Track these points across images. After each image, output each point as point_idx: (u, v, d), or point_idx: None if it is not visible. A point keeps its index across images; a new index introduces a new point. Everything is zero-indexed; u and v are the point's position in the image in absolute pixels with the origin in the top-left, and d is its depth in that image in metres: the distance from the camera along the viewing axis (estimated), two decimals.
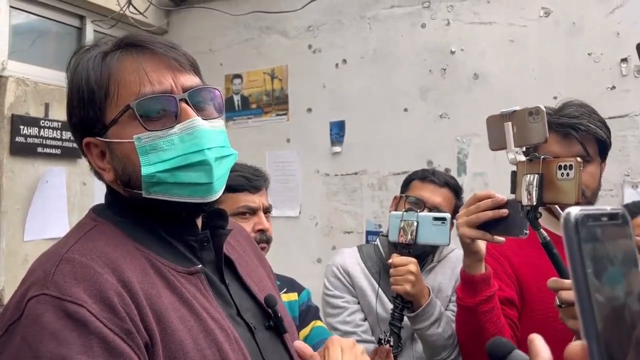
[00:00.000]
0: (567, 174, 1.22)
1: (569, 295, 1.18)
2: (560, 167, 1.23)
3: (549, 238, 1.27)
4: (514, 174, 1.31)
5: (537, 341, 0.53)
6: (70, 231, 0.92)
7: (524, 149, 1.30)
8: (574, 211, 0.46)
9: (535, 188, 1.24)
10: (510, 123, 1.30)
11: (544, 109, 1.26)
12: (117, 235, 0.87)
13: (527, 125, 1.27)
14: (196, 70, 0.94)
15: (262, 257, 1.18)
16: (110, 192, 0.95)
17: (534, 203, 1.25)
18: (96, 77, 0.88)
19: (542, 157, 1.26)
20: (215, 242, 0.96)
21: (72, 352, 0.70)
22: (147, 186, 0.87)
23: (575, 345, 0.46)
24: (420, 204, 1.77)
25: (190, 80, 0.91)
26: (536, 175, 1.25)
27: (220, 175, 0.90)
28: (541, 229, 1.27)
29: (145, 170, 0.85)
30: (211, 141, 0.88)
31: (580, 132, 1.49)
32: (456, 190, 1.87)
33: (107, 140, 0.89)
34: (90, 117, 0.89)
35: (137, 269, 0.83)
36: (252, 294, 0.99)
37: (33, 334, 0.72)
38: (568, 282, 1.20)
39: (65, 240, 0.87)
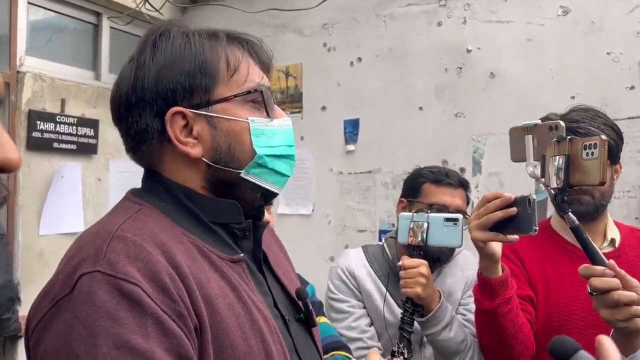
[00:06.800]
0: (592, 153, 1.18)
1: (601, 282, 1.18)
2: (585, 147, 1.20)
3: (577, 222, 1.24)
4: (544, 158, 1.28)
5: (607, 343, 0.51)
6: (113, 212, 0.89)
7: None
8: None
9: (562, 170, 1.21)
10: (531, 136, 1.29)
11: (564, 125, 1.25)
12: (163, 220, 0.86)
13: (546, 140, 1.25)
14: None
15: (285, 251, 1.19)
16: (150, 177, 0.94)
17: (562, 185, 1.22)
18: (227, 55, 0.91)
19: (569, 137, 1.23)
20: (254, 233, 0.97)
21: (127, 332, 0.69)
22: (251, 166, 0.91)
23: None
24: (445, 211, 1.68)
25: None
26: (563, 157, 1.22)
27: None
28: (569, 213, 1.24)
29: (259, 151, 0.90)
30: (294, 140, 0.98)
31: (580, 135, 1.45)
32: (467, 186, 1.81)
33: (213, 114, 0.89)
34: (201, 87, 0.88)
35: (185, 253, 0.82)
36: (284, 285, 1.00)
37: (86, 311, 0.70)
38: (599, 268, 1.19)
39: (111, 219, 0.84)
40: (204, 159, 0.89)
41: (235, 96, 0.90)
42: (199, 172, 0.90)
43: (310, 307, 1.01)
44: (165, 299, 0.74)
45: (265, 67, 0.96)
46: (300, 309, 0.99)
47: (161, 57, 0.88)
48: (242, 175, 0.90)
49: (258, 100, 0.92)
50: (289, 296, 0.99)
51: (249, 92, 0.91)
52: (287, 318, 0.94)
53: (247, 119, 0.90)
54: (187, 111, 0.88)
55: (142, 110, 0.88)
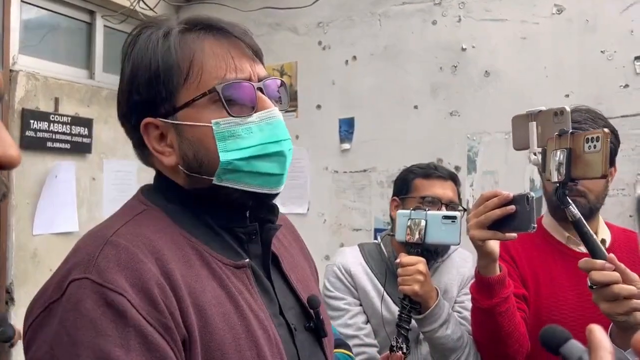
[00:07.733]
0: (594, 146, 1.18)
1: (601, 275, 1.18)
2: (587, 140, 1.19)
3: (579, 215, 1.24)
4: (544, 152, 1.28)
5: (598, 332, 0.50)
6: (118, 212, 0.88)
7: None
8: None
9: (564, 163, 1.21)
10: (535, 123, 1.29)
11: (569, 110, 1.24)
12: (166, 223, 0.84)
13: (551, 126, 1.25)
14: (262, 61, 0.93)
15: (307, 252, 1.15)
16: (160, 177, 0.92)
17: (563, 179, 1.22)
18: (177, 56, 0.84)
19: (571, 131, 1.23)
20: (262, 236, 0.93)
21: (108, 343, 0.69)
22: (221, 173, 0.84)
23: None
24: (438, 202, 1.71)
25: (263, 70, 0.90)
26: (565, 150, 1.22)
27: (288, 168, 0.90)
28: (571, 206, 1.24)
29: (223, 157, 0.83)
30: (285, 133, 0.88)
31: None
32: (457, 180, 1.83)
33: (176, 122, 0.85)
34: (161, 96, 0.85)
35: (182, 260, 0.80)
36: (295, 292, 0.95)
37: (72, 319, 0.70)
38: (600, 262, 1.20)
39: (112, 222, 0.83)
40: (181, 167, 0.87)
41: (193, 100, 0.84)
42: (182, 179, 0.89)
43: (322, 316, 0.96)
44: (151, 310, 0.73)
45: (252, 57, 0.88)
46: (311, 317, 0.95)
47: (127, 70, 0.88)
48: (215, 182, 0.85)
49: (227, 96, 0.83)
50: (300, 303, 0.95)
51: (204, 95, 0.83)
52: (294, 327, 0.90)
53: (211, 123, 0.83)
54: (157, 121, 0.86)
55: (126, 122, 0.91)
